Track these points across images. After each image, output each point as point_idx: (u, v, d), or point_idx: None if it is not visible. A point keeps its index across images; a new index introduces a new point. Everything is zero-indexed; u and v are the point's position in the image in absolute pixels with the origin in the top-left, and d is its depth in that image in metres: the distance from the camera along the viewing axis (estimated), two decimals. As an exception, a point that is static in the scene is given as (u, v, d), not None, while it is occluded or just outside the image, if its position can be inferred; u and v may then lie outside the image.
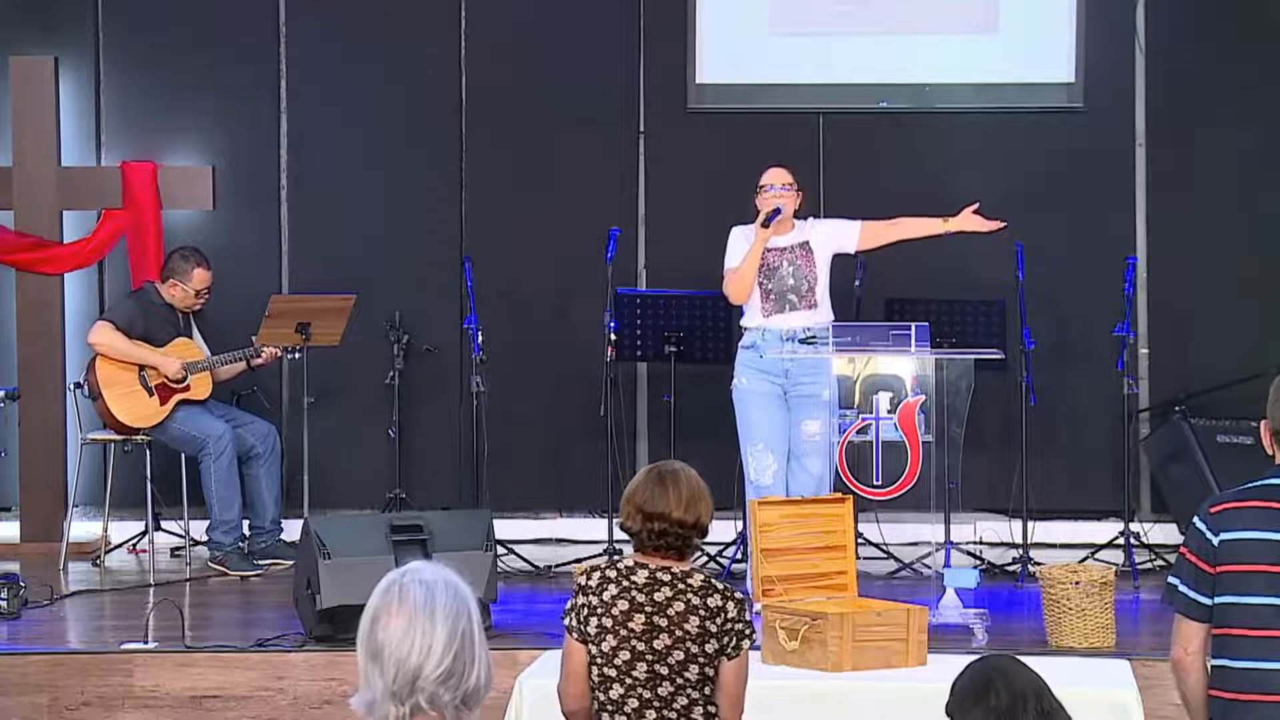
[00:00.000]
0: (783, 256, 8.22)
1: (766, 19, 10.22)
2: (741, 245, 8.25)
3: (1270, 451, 4.74)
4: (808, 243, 8.26)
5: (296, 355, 9.49)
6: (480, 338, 9.27)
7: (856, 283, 9.42)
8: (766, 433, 8.12)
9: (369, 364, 9.99)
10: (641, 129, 10.38)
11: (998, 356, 8.84)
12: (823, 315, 8.21)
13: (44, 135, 9.96)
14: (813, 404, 8.03)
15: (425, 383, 10.21)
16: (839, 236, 8.35)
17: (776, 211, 8.17)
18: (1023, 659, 4.11)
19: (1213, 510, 4.72)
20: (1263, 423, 4.76)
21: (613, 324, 9.18)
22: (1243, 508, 4.69)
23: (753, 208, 8.29)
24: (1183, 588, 4.73)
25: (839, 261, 8.48)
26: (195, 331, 9.42)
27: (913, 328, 8.49)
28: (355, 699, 3.18)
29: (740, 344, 8.30)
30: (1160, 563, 9.07)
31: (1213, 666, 4.73)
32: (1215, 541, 4.67)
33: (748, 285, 8.16)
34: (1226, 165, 10.07)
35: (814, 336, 8.05)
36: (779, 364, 8.13)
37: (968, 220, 8.34)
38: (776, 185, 8.26)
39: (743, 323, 8.30)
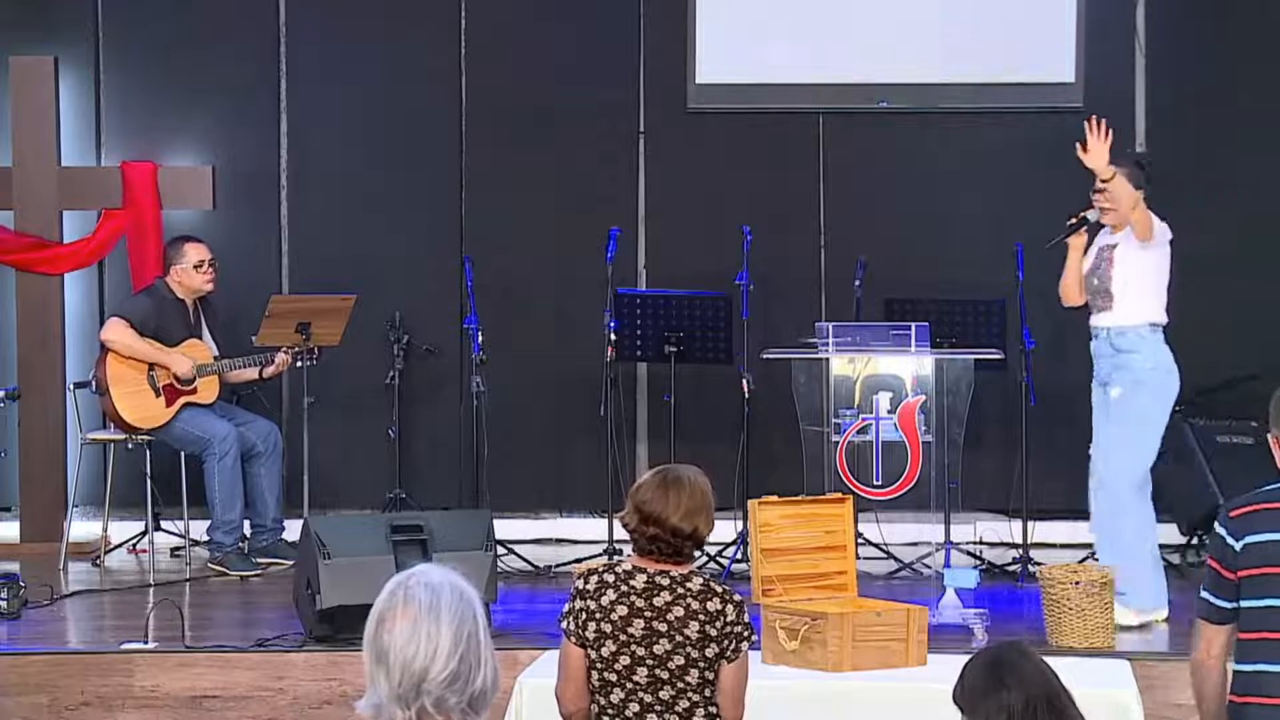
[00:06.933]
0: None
1: (766, 19, 10.22)
2: None
3: None
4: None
5: (309, 363, 9.42)
6: (480, 338, 9.27)
7: (856, 283, 9.43)
8: None
9: (369, 364, 9.99)
10: (641, 129, 10.38)
11: (998, 356, 8.85)
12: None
13: (44, 135, 9.96)
14: None
15: (425, 383, 10.22)
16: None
17: None
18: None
19: (1233, 514, 4.70)
20: (1271, 436, 4.74)
21: (613, 324, 9.17)
22: (1262, 510, 4.67)
23: None
24: (1204, 592, 4.75)
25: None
26: (206, 333, 9.39)
27: (913, 328, 8.51)
28: (362, 702, 3.17)
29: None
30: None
31: (1234, 671, 4.71)
32: (1237, 546, 4.66)
33: None
34: (1226, 165, 10.07)
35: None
36: None
37: None
38: None
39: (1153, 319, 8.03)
